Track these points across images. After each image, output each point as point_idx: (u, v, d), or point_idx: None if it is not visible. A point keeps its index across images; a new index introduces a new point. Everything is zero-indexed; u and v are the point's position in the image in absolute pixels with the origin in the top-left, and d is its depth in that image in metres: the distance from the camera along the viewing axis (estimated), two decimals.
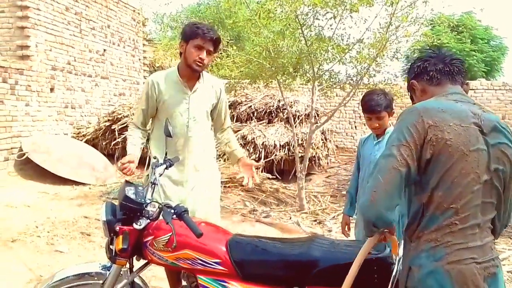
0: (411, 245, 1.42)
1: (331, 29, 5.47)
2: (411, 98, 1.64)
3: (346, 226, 2.79)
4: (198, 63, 2.40)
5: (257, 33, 5.46)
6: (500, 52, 17.29)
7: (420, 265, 1.36)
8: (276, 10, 5.17)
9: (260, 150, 7.30)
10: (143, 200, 1.91)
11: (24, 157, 6.72)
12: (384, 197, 1.32)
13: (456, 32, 15.64)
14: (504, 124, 1.41)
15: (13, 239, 4.05)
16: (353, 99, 9.24)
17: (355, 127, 10.24)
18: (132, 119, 2.91)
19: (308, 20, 5.30)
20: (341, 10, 5.09)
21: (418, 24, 5.46)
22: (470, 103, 1.43)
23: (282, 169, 7.47)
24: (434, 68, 1.50)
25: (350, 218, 2.83)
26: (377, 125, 2.56)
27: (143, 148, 2.63)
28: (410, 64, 1.64)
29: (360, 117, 10.11)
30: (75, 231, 4.48)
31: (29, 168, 6.72)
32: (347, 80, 6.07)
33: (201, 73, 2.53)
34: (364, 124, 10.02)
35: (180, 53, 2.49)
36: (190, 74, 2.48)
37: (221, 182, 3.22)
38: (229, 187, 6.30)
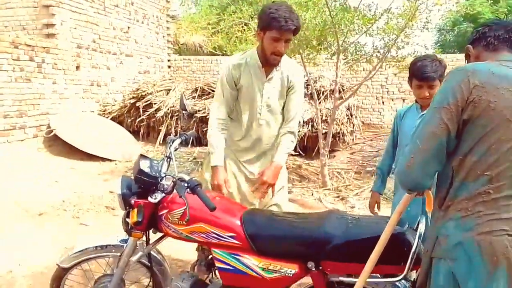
0: (439, 214, 1.35)
1: None
2: None
3: (376, 205, 2.58)
4: (275, 56, 2.27)
5: None
6: None
7: (448, 235, 1.30)
8: None
9: None
10: (157, 174, 1.90)
11: (52, 134, 6.91)
12: (421, 163, 1.28)
13: (492, 1, 14.76)
14: None
15: (41, 213, 4.19)
16: (380, 73, 8.94)
17: (382, 102, 9.94)
18: (209, 114, 2.57)
19: None
20: None
21: None
22: None
23: (305, 145, 7.37)
24: (494, 34, 1.41)
25: (380, 196, 2.60)
26: (428, 94, 2.28)
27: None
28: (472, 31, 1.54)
29: (388, 92, 9.79)
30: (101, 205, 4.59)
31: (58, 145, 6.91)
32: (374, 52, 5.84)
33: None
34: (392, 99, 9.76)
35: (258, 38, 2.34)
36: (267, 62, 2.34)
37: None
38: None
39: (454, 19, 16.02)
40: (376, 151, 7.48)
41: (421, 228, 1.57)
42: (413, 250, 1.51)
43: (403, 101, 9.64)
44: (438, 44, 18.53)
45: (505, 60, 1.34)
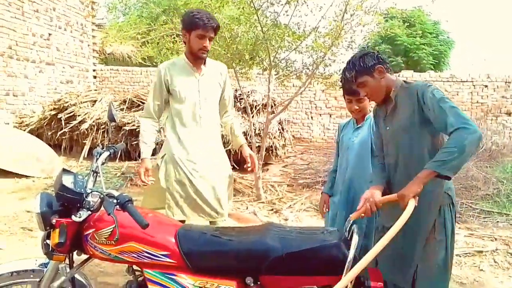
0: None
1: (287, 15, 5.40)
2: (358, 82, 2.03)
3: (325, 205, 2.64)
4: (203, 52, 2.58)
5: None
6: (447, 46, 18.06)
7: (450, 187, 1.98)
8: None
9: None
10: (82, 190, 1.75)
11: None
12: None
13: (408, 24, 16.14)
14: None
15: None
16: (309, 89, 9.27)
17: (311, 117, 10.32)
18: (142, 112, 2.97)
19: (263, 6, 5.20)
20: None
21: (372, 14, 5.50)
22: None
23: (239, 159, 7.37)
24: (388, 63, 2.02)
25: (329, 197, 2.66)
26: (357, 108, 2.42)
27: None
28: (366, 52, 2.05)
29: (316, 107, 10.19)
30: (16, 226, 4.18)
31: None
32: (303, 69, 6.04)
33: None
34: (320, 114, 10.16)
35: (184, 41, 2.64)
36: (195, 60, 2.64)
37: None
38: None
39: (374, 40, 17.24)
40: (307, 164, 7.70)
41: (355, 238, 1.60)
42: (349, 259, 1.53)
43: (330, 116, 10.10)
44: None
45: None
